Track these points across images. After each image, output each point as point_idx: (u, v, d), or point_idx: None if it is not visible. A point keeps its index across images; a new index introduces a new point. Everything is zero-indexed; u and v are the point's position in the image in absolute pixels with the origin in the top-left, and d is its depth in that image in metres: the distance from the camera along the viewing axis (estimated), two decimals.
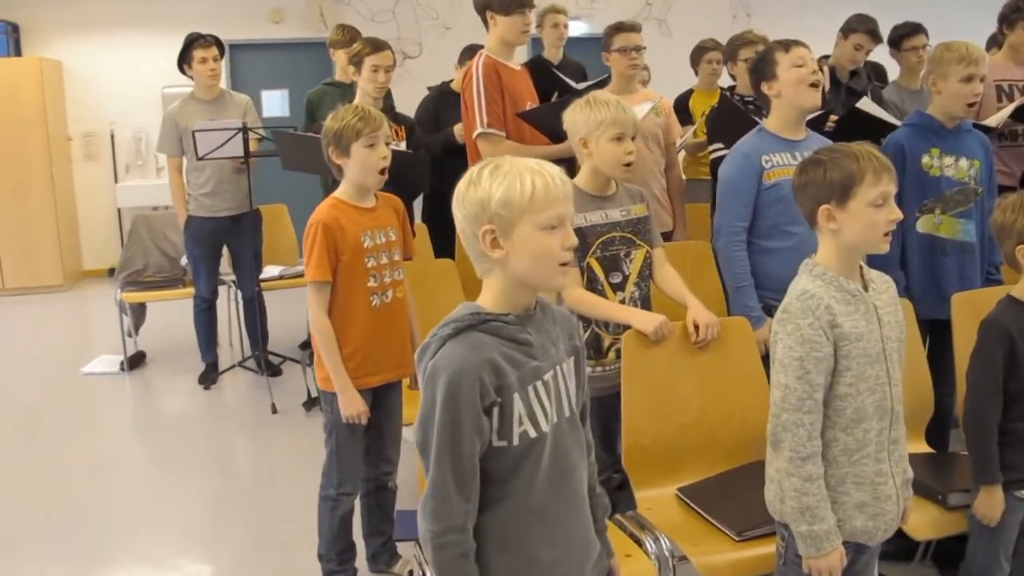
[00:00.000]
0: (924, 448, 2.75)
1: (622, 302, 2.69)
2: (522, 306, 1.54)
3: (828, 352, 1.81)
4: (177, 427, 4.62)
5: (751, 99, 3.95)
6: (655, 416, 2.55)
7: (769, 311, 2.77)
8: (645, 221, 2.78)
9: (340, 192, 2.72)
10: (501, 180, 1.48)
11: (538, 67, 4.76)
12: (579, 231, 2.67)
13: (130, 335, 5.49)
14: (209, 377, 5.07)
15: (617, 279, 2.71)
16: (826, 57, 4.40)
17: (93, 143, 7.94)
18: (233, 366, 5.27)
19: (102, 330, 5.45)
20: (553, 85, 4.37)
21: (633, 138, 2.67)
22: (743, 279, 2.82)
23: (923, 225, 3.05)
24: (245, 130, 4.48)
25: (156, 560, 3.22)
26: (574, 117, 2.69)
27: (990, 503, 2.20)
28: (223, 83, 5.03)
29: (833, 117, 3.70)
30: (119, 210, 7.72)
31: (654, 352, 2.56)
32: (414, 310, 2.91)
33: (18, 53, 7.50)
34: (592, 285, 2.67)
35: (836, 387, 1.84)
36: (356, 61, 3.82)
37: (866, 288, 1.89)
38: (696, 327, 2.58)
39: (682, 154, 4.79)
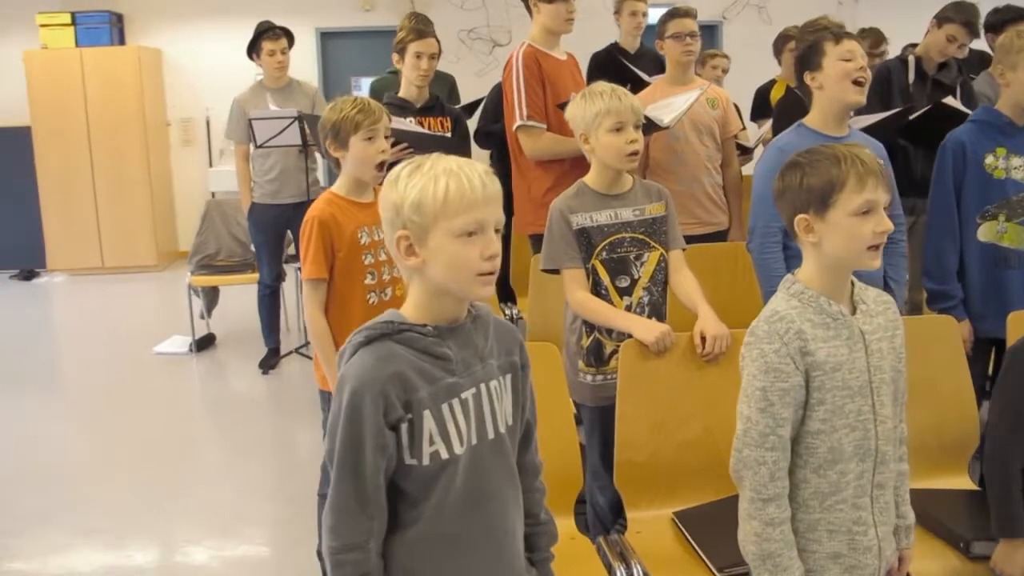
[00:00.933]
0: (967, 484, 2.45)
1: (628, 308, 2.52)
2: (446, 317, 1.43)
3: (797, 383, 1.59)
4: (231, 409, 4.70)
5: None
6: (653, 432, 2.36)
7: None
8: (661, 221, 2.59)
9: (337, 186, 2.65)
10: (416, 182, 1.38)
11: (607, 58, 4.60)
12: (583, 232, 2.53)
13: (203, 317, 5.63)
14: (269, 362, 5.13)
15: (624, 283, 2.53)
16: (913, 46, 4.04)
17: (190, 129, 8.20)
18: (290, 352, 5.33)
19: (181, 311, 5.62)
20: (624, 76, 4.20)
21: (637, 127, 2.49)
22: (776, 282, 2.58)
23: (985, 233, 2.75)
24: (301, 119, 4.49)
25: (213, 536, 3.27)
26: (573, 112, 2.54)
27: (1011, 559, 1.91)
28: (314, 70, 5.09)
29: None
30: (212, 194, 7.94)
31: (655, 364, 2.38)
32: None
33: (121, 42, 7.80)
34: (596, 289, 2.51)
35: (808, 422, 1.62)
36: (400, 48, 3.76)
37: (854, 310, 1.66)
38: (703, 339, 2.38)
39: (760, 149, 4.53)
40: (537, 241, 2.77)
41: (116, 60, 7.50)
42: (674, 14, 3.75)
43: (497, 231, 1.41)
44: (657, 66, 4.44)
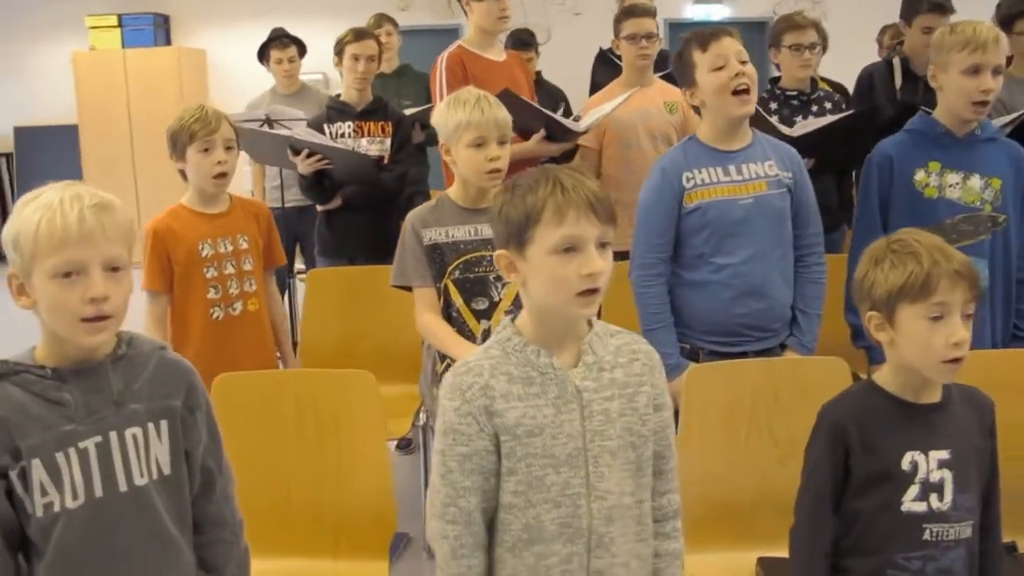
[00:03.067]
0: None
1: (487, 333, 2.29)
2: (73, 358, 1.31)
3: (482, 448, 1.35)
4: None
5: (795, 94, 3.32)
6: None
7: (696, 355, 2.29)
8: None
9: (185, 197, 2.57)
10: (23, 215, 1.27)
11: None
12: (437, 248, 2.31)
13: None
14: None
15: (482, 305, 2.31)
16: (902, 43, 3.64)
17: None
18: None
19: None
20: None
21: (503, 142, 2.25)
22: (656, 320, 2.31)
23: None
24: (269, 121, 4.41)
25: None
26: (435, 119, 2.33)
27: None
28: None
29: None
30: (251, 194, 8.05)
31: None
32: (284, 321, 2.77)
33: (167, 43, 7.97)
34: (447, 311, 2.30)
35: (500, 494, 1.37)
36: (338, 50, 3.62)
37: (578, 362, 1.40)
38: None
39: None
40: None
41: (158, 61, 7.67)
42: (630, 12, 3.47)
43: (117, 269, 1.29)
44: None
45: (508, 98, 2.98)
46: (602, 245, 1.34)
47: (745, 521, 2.05)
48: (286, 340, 2.83)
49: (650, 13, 3.47)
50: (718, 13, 7.57)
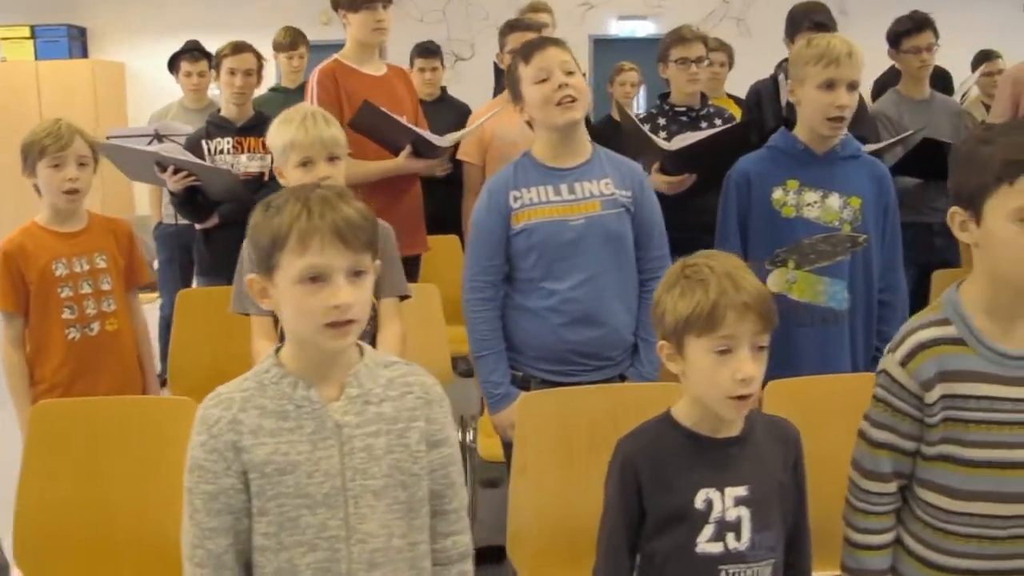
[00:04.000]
0: None
1: None
2: None
3: (229, 486, 1.25)
4: None
5: (684, 109, 3.26)
6: None
7: (527, 383, 2.17)
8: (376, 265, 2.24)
9: (40, 214, 2.49)
10: None
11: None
12: None
13: None
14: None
15: None
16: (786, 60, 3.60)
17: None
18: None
19: None
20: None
21: (332, 158, 2.15)
22: (485, 347, 2.19)
23: (774, 282, 2.30)
24: (158, 136, 4.26)
25: None
26: (268, 139, 2.24)
27: None
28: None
29: None
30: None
31: None
32: (146, 341, 2.67)
33: (84, 55, 7.76)
34: None
35: (253, 535, 1.27)
36: (216, 64, 3.51)
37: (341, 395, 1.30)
38: None
39: None
40: None
41: (72, 73, 7.45)
42: (514, 27, 3.40)
43: None
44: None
45: (369, 113, 2.90)
46: (356, 274, 1.25)
47: (585, 552, 1.95)
48: (149, 363, 2.71)
49: (533, 28, 3.40)
50: (643, 29, 7.55)
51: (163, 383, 4.89)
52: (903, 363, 1.40)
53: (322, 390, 1.29)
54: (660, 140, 2.93)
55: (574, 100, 2.07)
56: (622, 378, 2.26)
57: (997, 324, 1.37)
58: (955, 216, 1.37)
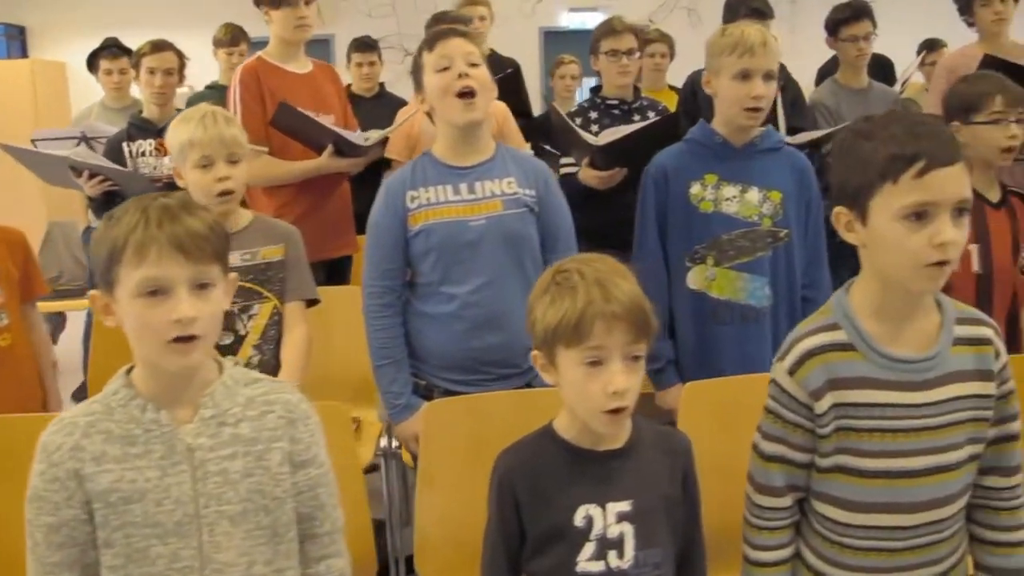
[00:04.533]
0: None
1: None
2: None
3: (71, 517, 1.19)
4: None
5: (616, 102, 3.19)
6: None
7: (430, 393, 2.09)
8: (277, 267, 2.17)
9: None
10: None
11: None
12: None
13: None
14: (82, 394, 4.79)
15: (227, 340, 2.10)
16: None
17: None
18: None
19: None
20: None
21: (233, 161, 2.07)
22: (384, 355, 2.11)
23: (694, 279, 2.25)
24: (86, 139, 4.13)
25: None
26: (167, 140, 2.16)
27: None
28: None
29: None
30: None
31: None
32: (46, 355, 2.51)
33: (23, 55, 7.57)
34: None
35: (99, 567, 1.20)
36: (135, 63, 3.41)
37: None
38: None
39: None
40: None
41: (9, 73, 7.26)
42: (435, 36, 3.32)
43: None
44: (513, 76, 3.97)
45: (287, 113, 2.81)
46: (201, 287, 1.17)
47: None
48: (50, 378, 2.59)
49: (461, 20, 3.31)
50: (593, 21, 7.46)
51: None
52: (791, 372, 1.32)
53: (175, 412, 1.22)
54: (587, 135, 2.86)
55: (473, 93, 2.00)
56: (529, 387, 2.20)
57: (887, 327, 1.30)
58: (840, 217, 1.31)
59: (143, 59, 3.35)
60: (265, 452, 1.23)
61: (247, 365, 2.11)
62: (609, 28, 3.23)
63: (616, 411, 1.24)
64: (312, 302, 2.24)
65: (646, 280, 2.16)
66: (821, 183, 2.34)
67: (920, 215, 1.20)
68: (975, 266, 2.44)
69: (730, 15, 3.36)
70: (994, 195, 2.48)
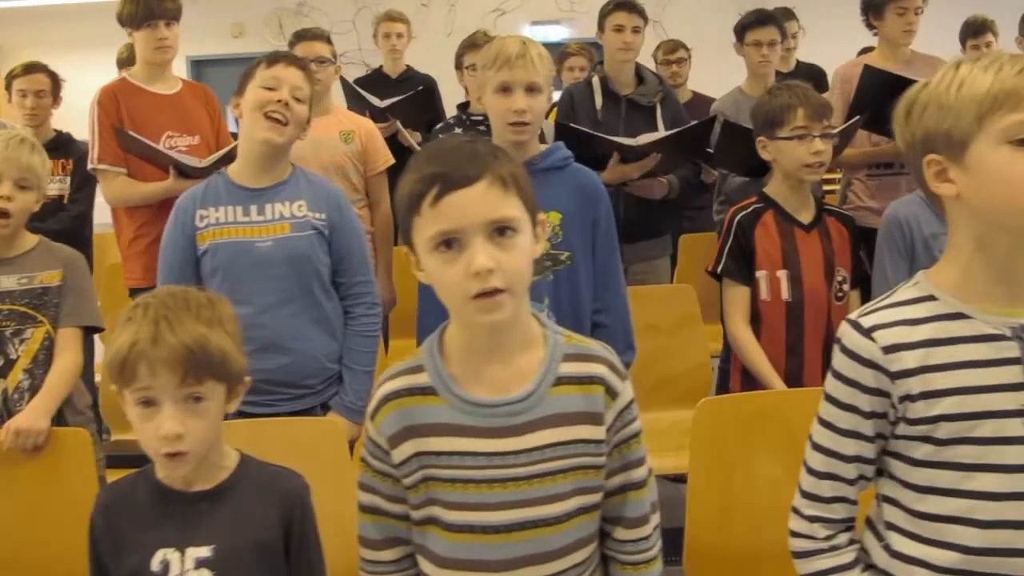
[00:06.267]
0: None
1: (4, 393, 2.13)
2: None
3: None
4: None
5: (482, 118, 3.16)
6: None
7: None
8: (54, 292, 2.18)
9: None
10: None
11: (345, 83, 4.15)
12: None
13: None
14: None
15: None
16: (601, 63, 3.48)
17: None
18: None
19: None
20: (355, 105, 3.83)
21: (26, 187, 2.14)
22: None
23: None
24: None
25: None
26: None
27: None
28: None
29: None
30: None
31: None
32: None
33: None
34: None
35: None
36: (7, 84, 3.44)
37: None
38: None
39: None
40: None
41: None
42: (302, 37, 3.34)
43: None
44: (427, 94, 3.95)
45: (125, 138, 2.83)
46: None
47: None
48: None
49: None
50: (556, 34, 7.44)
51: None
52: (372, 416, 1.23)
53: None
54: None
55: (283, 122, 2.06)
56: (324, 407, 2.19)
57: (470, 367, 1.20)
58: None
59: (14, 81, 3.39)
60: None
61: (17, 390, 2.13)
62: (471, 43, 3.25)
63: (174, 455, 1.22)
64: (94, 329, 2.24)
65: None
66: None
67: (449, 243, 1.11)
68: (784, 294, 2.36)
69: (602, 15, 3.27)
70: (806, 216, 2.40)
